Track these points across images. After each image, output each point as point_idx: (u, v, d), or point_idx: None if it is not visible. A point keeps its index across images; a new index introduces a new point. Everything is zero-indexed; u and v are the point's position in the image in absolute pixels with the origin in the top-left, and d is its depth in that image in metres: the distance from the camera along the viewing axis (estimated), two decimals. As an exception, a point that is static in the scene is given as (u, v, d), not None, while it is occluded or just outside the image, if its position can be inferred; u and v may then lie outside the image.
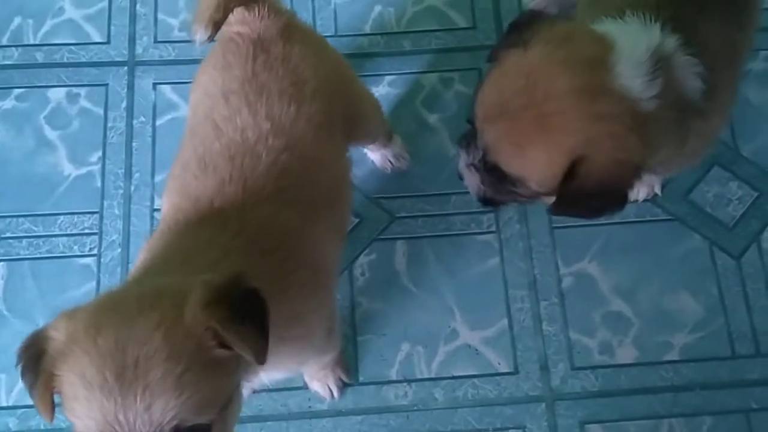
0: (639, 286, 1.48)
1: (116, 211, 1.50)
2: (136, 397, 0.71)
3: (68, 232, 1.48)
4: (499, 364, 1.43)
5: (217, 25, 1.06)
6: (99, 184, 1.51)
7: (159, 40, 1.62)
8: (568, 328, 1.46)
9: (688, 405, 1.41)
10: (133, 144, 1.54)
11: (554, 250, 1.50)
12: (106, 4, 1.64)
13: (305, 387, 1.40)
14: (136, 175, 1.52)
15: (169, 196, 1.05)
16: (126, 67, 1.60)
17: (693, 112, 1.03)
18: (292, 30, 1.10)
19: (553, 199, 1.04)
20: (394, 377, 1.42)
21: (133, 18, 1.64)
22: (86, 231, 1.48)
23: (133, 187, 1.51)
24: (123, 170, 1.52)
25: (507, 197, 1.11)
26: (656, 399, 1.42)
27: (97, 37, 1.62)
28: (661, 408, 1.41)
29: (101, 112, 1.56)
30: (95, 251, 1.47)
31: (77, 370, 0.72)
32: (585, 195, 0.97)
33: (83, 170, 1.52)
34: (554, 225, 1.51)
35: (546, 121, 0.94)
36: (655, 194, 1.52)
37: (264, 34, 1.08)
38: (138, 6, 1.64)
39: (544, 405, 1.41)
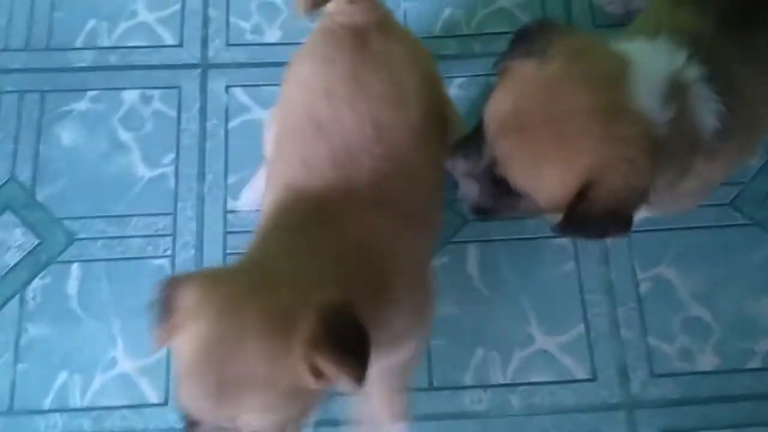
0: (718, 291, 1.45)
1: (189, 213, 1.50)
2: (228, 408, 0.78)
3: (142, 233, 1.48)
4: (576, 370, 1.41)
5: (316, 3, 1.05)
6: (172, 185, 1.52)
7: (231, 43, 1.63)
8: (646, 334, 1.43)
9: (771, 414, 1.38)
10: (206, 146, 1.54)
11: (631, 254, 1.47)
12: (178, 7, 1.65)
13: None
14: (209, 177, 1.52)
15: (272, 188, 1.07)
16: (199, 70, 1.60)
17: (701, 150, 1.01)
18: (390, 27, 1.09)
19: (553, 215, 1.01)
20: (469, 383, 1.40)
21: (205, 21, 1.64)
22: (160, 232, 1.49)
23: (206, 189, 1.52)
24: (196, 172, 1.53)
25: (505, 210, 1.07)
26: (737, 408, 1.38)
27: (169, 40, 1.63)
28: (742, 417, 1.37)
29: (174, 114, 1.57)
30: (169, 252, 1.47)
31: (188, 353, 0.80)
32: (592, 217, 0.94)
33: (157, 172, 1.53)
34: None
35: (565, 139, 0.92)
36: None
37: (366, 29, 1.07)
38: (210, 9, 1.65)
39: (623, 412, 1.38)
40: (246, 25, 1.64)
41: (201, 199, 1.51)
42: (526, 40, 0.98)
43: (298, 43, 1.59)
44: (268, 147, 1.22)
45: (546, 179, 0.94)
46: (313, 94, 1.06)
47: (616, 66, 0.94)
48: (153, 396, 1.38)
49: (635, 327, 1.43)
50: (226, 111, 1.57)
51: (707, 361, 1.41)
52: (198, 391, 0.79)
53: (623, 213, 0.95)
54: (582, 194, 0.93)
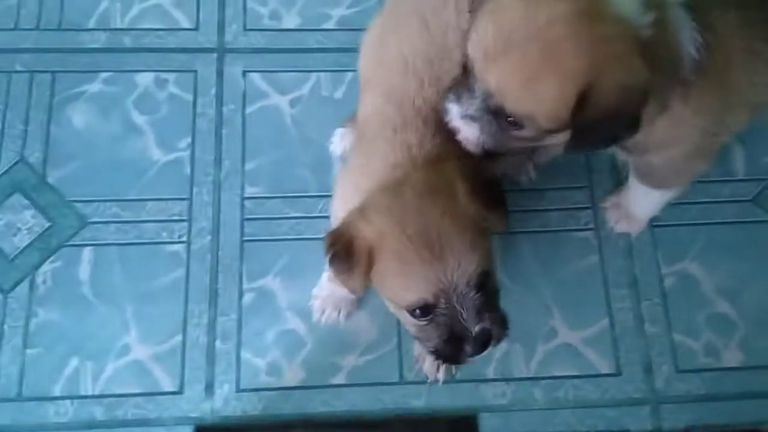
0: (743, 287, 1.43)
1: (206, 198, 1.46)
2: (449, 261, 0.96)
3: (157, 218, 1.44)
4: (600, 364, 1.38)
5: None
6: (188, 170, 1.47)
7: (248, 27, 1.59)
8: (671, 329, 1.40)
9: (796, 412, 1.36)
10: (223, 131, 1.51)
11: (655, 248, 1.45)
12: (194, -10, 1.62)
13: (400, 382, 1.35)
14: (226, 163, 1.48)
15: (369, 95, 1.19)
16: (215, 54, 1.57)
17: (678, 80, 1.00)
18: None
19: (557, 141, 1.01)
20: (491, 375, 1.37)
21: (222, 5, 1.61)
22: (175, 218, 1.44)
23: (223, 174, 1.47)
24: (213, 157, 1.49)
25: (510, 144, 1.05)
26: (763, 404, 1.36)
27: (185, 23, 1.59)
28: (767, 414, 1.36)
29: (190, 98, 1.53)
30: (184, 238, 1.43)
31: (398, 258, 0.97)
32: (598, 122, 0.94)
33: (172, 156, 1.49)
34: (654, 224, 1.46)
35: (552, 50, 0.91)
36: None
37: None
38: (227, -7, 1.62)
39: (648, 408, 1.35)
40: (264, 11, 1.61)
41: (218, 185, 1.47)
42: None
43: (317, 30, 1.59)
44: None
45: (543, 96, 0.94)
46: None
47: None
48: (167, 384, 1.34)
49: (660, 322, 1.41)
50: (244, 96, 1.53)
51: (732, 357, 1.39)
52: (424, 267, 0.96)
53: (627, 112, 0.95)
54: (582, 102, 0.92)
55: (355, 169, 1.16)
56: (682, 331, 1.40)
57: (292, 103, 1.54)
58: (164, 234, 1.43)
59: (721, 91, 1.09)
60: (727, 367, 1.38)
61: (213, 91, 1.54)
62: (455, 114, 1.04)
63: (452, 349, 1.02)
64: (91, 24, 1.58)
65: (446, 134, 1.06)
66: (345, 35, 1.57)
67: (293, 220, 1.45)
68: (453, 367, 1.36)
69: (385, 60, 1.17)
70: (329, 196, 1.27)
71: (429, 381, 1.35)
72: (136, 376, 1.34)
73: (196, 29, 1.59)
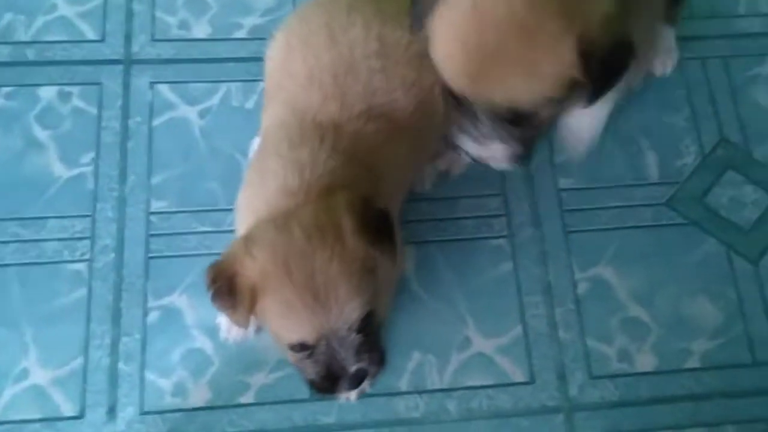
0: (656, 291, 1.43)
1: (110, 214, 1.42)
2: (332, 308, 0.96)
3: (58, 236, 1.39)
4: (514, 373, 1.37)
5: None
6: (92, 186, 1.43)
7: (156, 38, 1.56)
8: (585, 335, 1.39)
9: (709, 414, 1.35)
10: (129, 144, 1.47)
11: (568, 254, 1.45)
12: (100, 1, 1.58)
13: (310, 399, 1.32)
14: (132, 177, 1.44)
15: (272, 107, 1.18)
16: (122, 66, 1.53)
17: None
18: None
19: (576, 99, 1.00)
20: (404, 388, 1.34)
21: (129, 15, 1.57)
22: (77, 235, 1.40)
23: (128, 190, 1.43)
24: (117, 172, 1.44)
25: (536, 132, 1.05)
26: (677, 408, 1.36)
27: (91, 35, 1.55)
28: (682, 418, 1.35)
29: (95, 111, 1.49)
30: (87, 256, 1.38)
31: (281, 300, 0.96)
32: (605, 62, 0.93)
33: (75, 171, 1.44)
34: (568, 229, 1.46)
35: (533, 28, 0.89)
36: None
37: None
38: (134, 4, 1.58)
39: (562, 416, 1.34)
40: (172, 20, 1.58)
41: (122, 201, 1.43)
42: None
43: (228, 39, 1.56)
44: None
45: (549, 75, 0.92)
46: (334, 7, 1.16)
47: None
48: (68, 408, 1.29)
49: (573, 328, 1.40)
50: (151, 108, 1.50)
51: (646, 362, 1.39)
52: (306, 313, 0.96)
53: (622, 41, 0.94)
54: (584, 52, 0.91)
55: (249, 186, 1.14)
56: (596, 336, 1.40)
57: (201, 114, 1.50)
58: (66, 253, 1.39)
59: None
60: (640, 371, 1.38)
61: (119, 103, 1.50)
62: (471, 145, 1.06)
63: (328, 383, 1.04)
64: (-7, 38, 1.54)
65: (341, 159, 1.07)
66: (257, 44, 1.54)
67: (201, 235, 1.41)
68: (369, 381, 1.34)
69: (291, 71, 1.17)
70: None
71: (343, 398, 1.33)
72: (36, 401, 1.29)
73: (102, 41, 1.55)
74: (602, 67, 0.93)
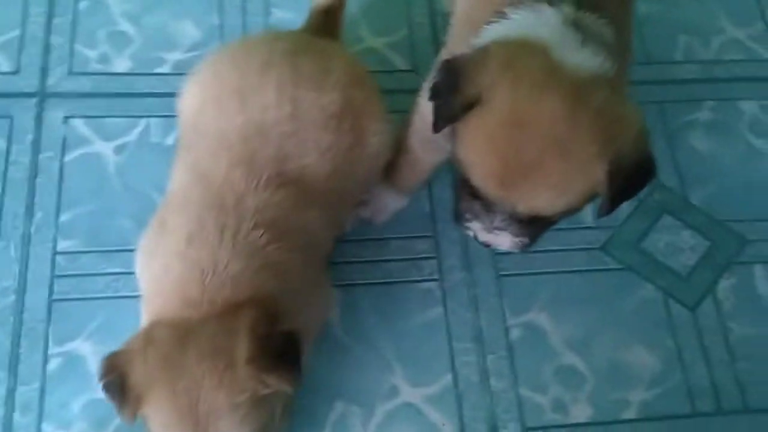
0: (592, 338, 1.37)
1: (12, 254, 1.32)
2: None
3: (-46, 276, 1.30)
4: (443, 425, 1.28)
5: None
6: (-5, 223, 1.34)
7: (74, 71, 1.49)
8: (518, 384, 1.32)
9: (648, 468, 1.29)
10: (37, 180, 1.38)
11: (501, 299, 1.39)
12: (17, 33, 1.51)
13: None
14: (39, 215, 1.36)
15: (179, 172, 1.11)
16: (35, 99, 1.45)
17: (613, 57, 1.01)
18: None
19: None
20: (325, 441, 1.26)
21: (46, 48, 1.51)
22: (-24, 275, 1.30)
23: (33, 228, 1.34)
24: (23, 209, 1.36)
25: (546, 229, 1.07)
26: (613, 463, 1.29)
27: (5, 67, 1.48)
28: (619, 473, 1.29)
29: (3, 145, 1.41)
30: (-15, 298, 1.29)
31: (161, 418, 0.91)
32: (629, 180, 0.95)
33: (-23, 208, 1.35)
34: (501, 273, 1.40)
35: (569, 149, 0.91)
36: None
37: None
38: (53, 36, 1.52)
39: (493, 471, 1.26)
40: (92, 54, 1.51)
41: (27, 239, 1.34)
42: (450, 92, 0.96)
43: (149, 74, 1.50)
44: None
45: (578, 193, 0.94)
46: (248, 67, 1.10)
47: (540, 60, 0.93)
48: (-49, 466, 1.18)
49: (506, 377, 1.33)
50: (64, 143, 1.42)
51: (581, 413, 1.32)
52: None
53: (646, 158, 0.96)
54: (612, 171, 0.92)
55: (151, 264, 1.07)
56: (529, 385, 1.33)
57: (117, 150, 1.43)
58: (-39, 294, 1.29)
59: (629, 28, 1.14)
60: (575, 422, 1.31)
61: (29, 138, 1.42)
62: (480, 230, 1.04)
63: None
64: None
65: (244, 258, 1.00)
66: (179, 80, 1.47)
67: (110, 276, 1.32)
68: None
69: (202, 130, 1.11)
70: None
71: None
72: None
73: (16, 73, 1.48)
74: (626, 183, 0.95)
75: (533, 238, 1.06)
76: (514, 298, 1.39)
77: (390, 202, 1.41)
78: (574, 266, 1.43)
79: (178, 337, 0.94)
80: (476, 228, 1.05)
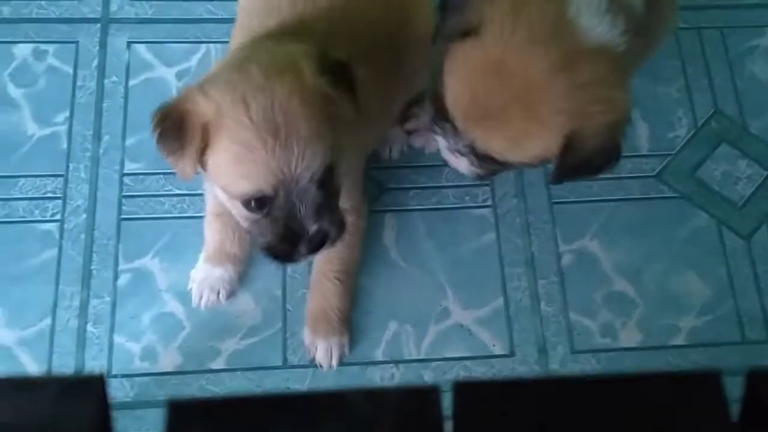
0: (643, 265, 1.39)
1: (82, 175, 1.38)
2: (293, 150, 0.89)
3: (29, 195, 1.36)
4: (494, 345, 1.33)
5: None
6: (65, 145, 1.39)
7: (135, -4, 1.52)
8: (567, 309, 1.35)
9: (695, 393, 1.31)
10: (104, 105, 1.43)
11: (554, 226, 1.40)
12: (79, -41, 1.54)
13: (283, 366, 1.29)
14: (106, 138, 1.41)
15: (235, 39, 1.15)
16: (99, 25, 1.49)
17: (638, 31, 0.99)
18: None
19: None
20: (380, 357, 1.31)
21: (108, -26, 1.53)
22: (49, 195, 1.36)
23: (101, 150, 1.40)
24: (91, 132, 1.41)
25: (501, 170, 1.09)
26: (661, 386, 1.32)
27: (68, -7, 1.52)
28: (666, 396, 1.31)
29: (70, 70, 1.45)
30: (58, 216, 1.35)
31: (238, 140, 0.88)
32: (584, 161, 0.94)
33: (48, 131, 1.41)
34: (554, 201, 1.41)
35: (534, 110, 0.90)
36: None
37: None
38: (114, -38, 1.54)
39: (541, 390, 1.30)
40: (153, -21, 1.54)
41: (96, 161, 1.39)
42: (456, 12, 0.95)
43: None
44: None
45: (529, 150, 0.95)
46: None
47: (552, 12, 0.91)
48: (34, 369, 1.26)
49: (556, 301, 1.36)
50: (127, 68, 1.46)
51: (631, 338, 1.34)
52: (266, 155, 0.89)
53: (612, 147, 0.96)
54: (569, 146, 0.92)
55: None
56: (579, 310, 1.35)
57: (179, 76, 1.46)
58: (37, 212, 1.35)
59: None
60: (624, 347, 1.33)
61: (95, 63, 1.46)
62: (444, 147, 1.06)
63: (286, 247, 0.97)
64: (-32, -7, 1.50)
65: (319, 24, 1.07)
66: (236, 5, 1.51)
67: (175, 198, 1.37)
68: (345, 350, 1.30)
69: (254, 8, 1.16)
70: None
71: (324, 369, 1.29)
72: (1, 361, 1.26)
73: (79, -1, 1.52)
74: (581, 162, 0.94)
75: (489, 173, 1.07)
76: (567, 225, 1.41)
77: None
78: (628, 194, 1.43)
79: (237, 65, 0.94)
80: (443, 144, 1.07)
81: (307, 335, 1.30)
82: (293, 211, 0.93)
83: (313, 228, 0.95)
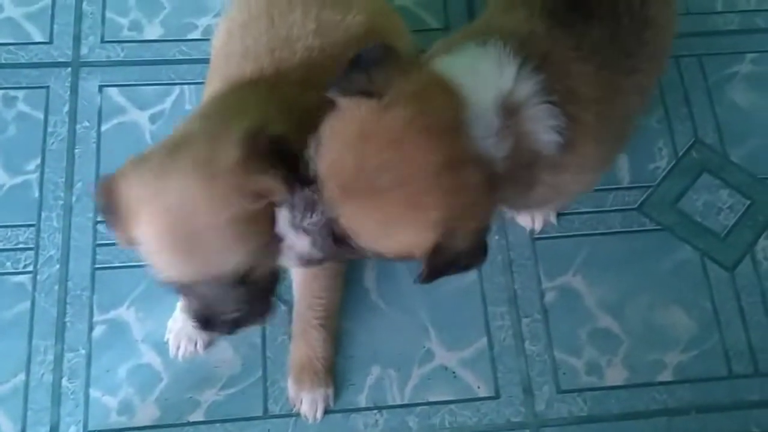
0: (627, 300, 1.37)
1: (55, 224, 1.35)
2: (202, 258, 0.89)
3: (1, 246, 1.33)
4: (478, 387, 1.30)
5: None
6: (36, 194, 1.37)
7: (106, 39, 1.49)
8: (552, 347, 1.33)
9: (683, 429, 1.29)
10: (76, 151, 1.40)
11: (536, 262, 1.39)
12: (49, 1, 1.52)
13: (264, 416, 1.26)
14: (78, 185, 1.38)
15: (210, 85, 1.15)
16: (69, 68, 1.46)
17: (545, 166, 0.97)
18: None
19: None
20: (363, 404, 1.28)
21: (78, 16, 1.51)
22: (21, 246, 1.34)
23: (74, 198, 1.37)
24: (64, 179, 1.38)
25: (342, 258, 1.02)
26: (649, 424, 1.30)
27: (38, 37, 1.49)
28: (654, 433, 1.30)
29: (41, 116, 1.43)
30: (30, 268, 1.32)
31: (150, 234, 0.89)
32: (451, 261, 0.91)
33: (19, 179, 1.38)
34: (536, 236, 1.40)
35: (415, 200, 0.86)
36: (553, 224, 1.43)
37: None
38: (84, 4, 1.52)
39: (528, 432, 1.28)
40: (124, 21, 1.52)
41: (68, 209, 1.36)
42: (364, 70, 0.90)
43: (181, 40, 1.50)
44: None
45: (399, 241, 0.90)
46: None
47: (454, 107, 0.89)
48: (8, 428, 1.23)
49: (541, 340, 1.34)
50: (99, 112, 1.44)
51: (616, 375, 1.33)
52: (174, 257, 0.89)
53: (478, 248, 0.93)
54: (439, 245, 0.89)
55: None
56: (564, 348, 1.34)
57: (153, 119, 1.44)
58: (8, 264, 1.32)
59: (603, 144, 1.05)
60: (610, 385, 1.32)
61: (66, 108, 1.43)
62: (284, 221, 0.94)
63: (204, 322, 0.99)
64: (-65, 39, 1.48)
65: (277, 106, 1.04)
66: (209, 45, 1.49)
67: (150, 245, 1.35)
68: (330, 402, 1.28)
69: (229, 52, 1.16)
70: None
71: (312, 418, 1.27)
72: (-26, 420, 1.23)
73: (50, 42, 1.49)
74: (447, 262, 0.91)
75: (326, 258, 0.98)
76: (549, 260, 1.39)
77: None
78: (609, 228, 1.42)
79: (172, 147, 0.92)
80: (283, 218, 0.94)
81: (291, 387, 1.27)
82: (207, 300, 0.95)
83: (227, 317, 0.97)
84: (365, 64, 0.91)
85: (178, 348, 1.28)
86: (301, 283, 1.25)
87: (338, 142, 0.89)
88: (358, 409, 1.28)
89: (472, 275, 1.37)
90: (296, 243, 0.94)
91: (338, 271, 1.26)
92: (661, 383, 1.32)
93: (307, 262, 0.97)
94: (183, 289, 0.97)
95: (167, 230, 0.88)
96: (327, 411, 1.27)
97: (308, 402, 1.26)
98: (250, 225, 0.91)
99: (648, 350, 1.34)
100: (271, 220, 0.93)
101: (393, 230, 0.89)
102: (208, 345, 1.28)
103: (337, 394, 1.28)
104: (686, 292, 1.38)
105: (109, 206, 0.92)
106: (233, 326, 0.99)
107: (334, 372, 1.29)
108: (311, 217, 0.92)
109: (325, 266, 1.14)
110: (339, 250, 0.94)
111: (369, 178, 0.86)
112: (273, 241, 0.94)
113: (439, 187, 0.86)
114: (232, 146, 0.90)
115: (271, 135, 0.93)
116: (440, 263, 0.91)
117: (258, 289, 0.97)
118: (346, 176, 0.87)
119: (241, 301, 0.95)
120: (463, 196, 0.87)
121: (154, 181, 0.89)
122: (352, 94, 0.89)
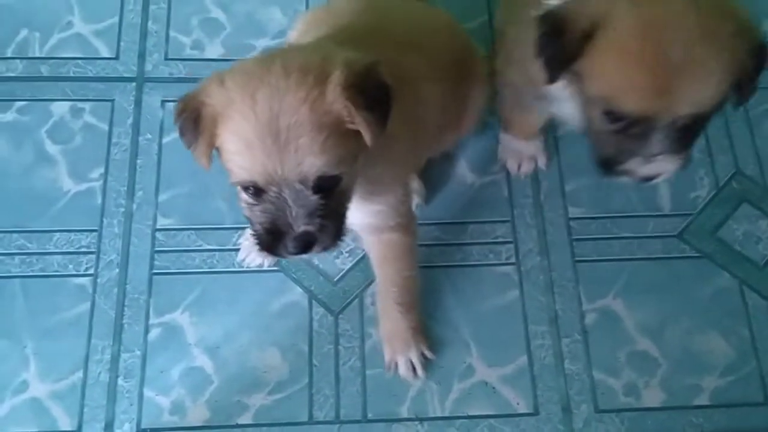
0: (666, 325, 1.40)
1: (116, 230, 1.42)
2: (289, 156, 0.89)
3: (64, 249, 1.40)
4: (518, 404, 1.34)
5: None
6: (99, 201, 1.44)
7: (170, 57, 1.57)
8: (591, 368, 1.36)
9: (719, 454, 1.32)
10: (138, 161, 1.47)
11: (577, 284, 1.42)
12: (116, 19, 1.60)
13: (309, 422, 1.30)
14: (139, 193, 1.45)
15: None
16: (134, 83, 1.54)
17: None
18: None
19: None
20: (404, 414, 1.32)
21: (143, 34, 1.59)
22: (83, 249, 1.40)
23: (135, 206, 1.44)
24: (125, 188, 1.45)
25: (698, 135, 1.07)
26: (685, 446, 1.32)
27: (105, 53, 1.57)
28: (690, 456, 1.32)
29: (106, 127, 1.50)
30: (91, 271, 1.38)
31: (239, 133, 0.89)
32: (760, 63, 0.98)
33: (83, 186, 1.45)
34: (577, 258, 1.43)
35: (713, 37, 0.92)
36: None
37: None
38: (150, 23, 1.60)
39: (565, 449, 1.31)
40: (186, 40, 1.59)
41: (129, 216, 1.43)
42: (552, 39, 1.00)
43: (240, 59, 1.56)
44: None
45: (726, 81, 0.96)
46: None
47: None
48: (65, 422, 1.28)
49: (580, 360, 1.37)
50: (161, 126, 1.50)
51: (653, 397, 1.35)
52: (262, 153, 0.89)
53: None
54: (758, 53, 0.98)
55: None
56: (603, 369, 1.36)
57: (211, 134, 1.50)
58: (71, 266, 1.39)
59: None
60: (647, 407, 1.34)
61: (129, 120, 1.51)
62: (639, 165, 1.04)
63: (272, 240, 0.97)
64: (9, 53, 1.55)
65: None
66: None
67: (206, 253, 1.41)
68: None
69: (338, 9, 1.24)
70: (244, 227, 1.28)
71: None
72: (34, 414, 1.29)
73: (116, 58, 1.56)
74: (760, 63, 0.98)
75: (688, 153, 1.05)
76: (590, 283, 1.42)
77: (523, 148, 1.48)
78: (650, 253, 1.45)
79: (262, 58, 0.93)
80: (634, 165, 1.03)
81: (386, 353, 1.34)
82: (282, 208, 0.93)
83: (299, 229, 0.95)
84: (553, 36, 0.99)
85: (246, 256, 1.39)
86: (378, 266, 1.27)
87: (616, 77, 0.96)
88: (400, 419, 1.32)
89: (514, 293, 1.41)
90: (663, 169, 1.04)
91: (407, 244, 1.24)
92: (698, 407, 1.34)
93: (683, 166, 1.06)
94: (256, 199, 0.95)
95: (261, 126, 0.87)
96: (370, 419, 1.31)
97: (403, 364, 1.33)
98: (341, 135, 0.90)
99: (685, 374, 1.36)
100: (352, 143, 0.93)
101: (721, 73, 0.94)
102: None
103: (379, 404, 1.32)
104: (724, 318, 1.41)
105: (191, 119, 0.92)
106: (301, 244, 0.96)
107: (426, 333, 1.35)
108: (651, 142, 1.00)
109: (394, 245, 1.21)
110: (691, 137, 1.03)
111: (665, 65, 0.92)
112: (356, 161, 0.96)
113: (713, 15, 0.94)
114: (341, 68, 0.91)
115: (377, 74, 0.94)
116: (759, 66, 0.98)
117: (334, 205, 0.96)
118: (651, 85, 0.94)
119: (315, 213, 0.94)
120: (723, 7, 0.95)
121: (251, 82, 0.89)
122: (577, 52, 0.98)
